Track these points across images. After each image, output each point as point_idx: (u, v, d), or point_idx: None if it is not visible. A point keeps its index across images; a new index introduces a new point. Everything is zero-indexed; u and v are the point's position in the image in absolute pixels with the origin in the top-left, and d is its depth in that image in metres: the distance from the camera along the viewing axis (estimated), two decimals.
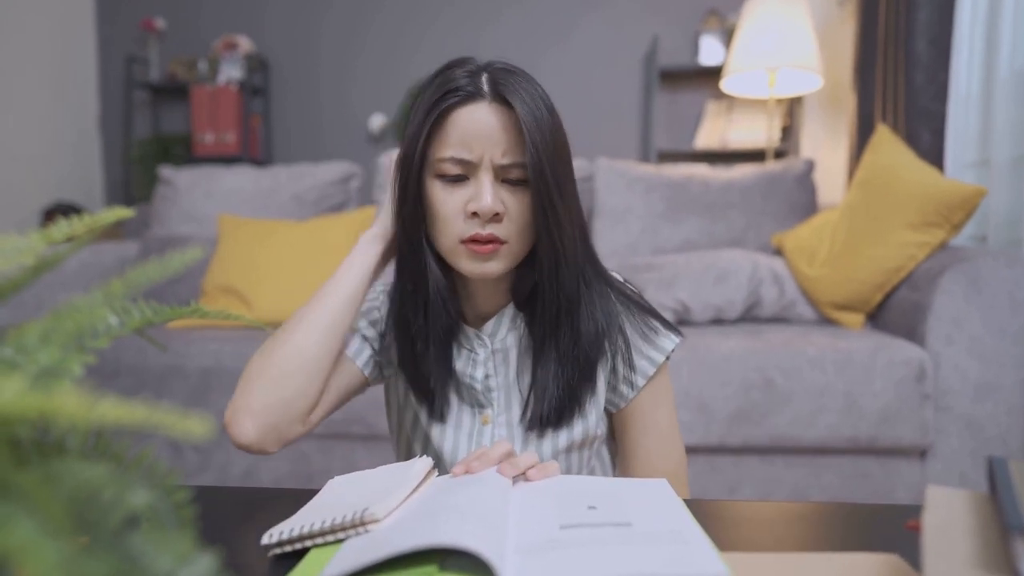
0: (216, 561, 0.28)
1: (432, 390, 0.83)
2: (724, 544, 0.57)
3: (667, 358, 0.85)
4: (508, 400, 0.85)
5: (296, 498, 0.68)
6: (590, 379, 0.82)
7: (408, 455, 0.92)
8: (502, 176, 0.75)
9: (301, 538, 0.55)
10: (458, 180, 0.75)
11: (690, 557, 0.49)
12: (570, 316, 0.79)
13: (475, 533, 0.49)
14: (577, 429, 0.83)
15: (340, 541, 0.55)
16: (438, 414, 0.84)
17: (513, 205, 0.75)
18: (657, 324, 0.85)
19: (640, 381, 0.85)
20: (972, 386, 1.65)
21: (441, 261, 0.80)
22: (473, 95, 0.73)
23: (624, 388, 0.85)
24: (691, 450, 1.72)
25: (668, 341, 0.85)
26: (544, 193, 0.73)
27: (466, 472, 0.65)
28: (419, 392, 0.84)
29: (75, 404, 0.26)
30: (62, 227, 0.39)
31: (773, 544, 0.59)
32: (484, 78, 0.74)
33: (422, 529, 0.50)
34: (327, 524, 0.55)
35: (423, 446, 0.88)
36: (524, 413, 0.82)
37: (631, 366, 0.84)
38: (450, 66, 0.76)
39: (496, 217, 0.75)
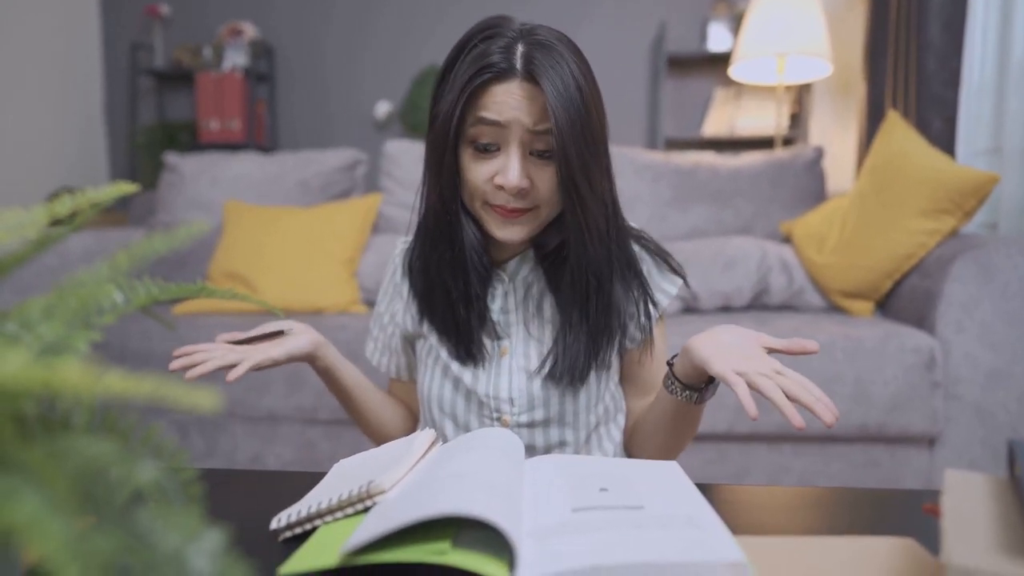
0: (224, 537, 0.28)
1: (475, 339, 0.87)
2: (737, 528, 0.56)
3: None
4: (527, 333, 0.88)
5: (304, 481, 0.67)
6: (616, 337, 0.86)
7: (426, 397, 0.93)
8: (531, 147, 0.77)
9: (310, 518, 0.55)
10: (489, 149, 0.78)
11: (706, 543, 0.48)
12: (600, 291, 0.82)
13: (497, 508, 0.49)
14: (592, 384, 0.88)
15: (348, 517, 0.55)
16: (471, 357, 0.88)
17: (540, 178, 0.78)
18: (666, 267, 0.91)
19: (653, 322, 0.90)
20: (982, 374, 1.64)
21: (471, 218, 0.85)
22: (505, 72, 0.75)
23: (636, 330, 0.89)
24: (699, 438, 1.72)
25: (672, 287, 0.90)
26: (567, 174, 0.75)
27: None
28: (458, 344, 0.88)
29: (80, 376, 0.26)
30: (65, 202, 0.39)
31: (787, 528, 0.59)
32: (518, 53, 0.75)
33: (443, 496, 0.49)
34: (334, 501, 0.54)
35: (442, 376, 0.90)
36: (543, 363, 0.85)
37: (648, 315, 0.88)
38: (487, 35, 0.77)
39: (522, 191, 0.78)
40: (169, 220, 2.59)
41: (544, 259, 0.86)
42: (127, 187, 0.41)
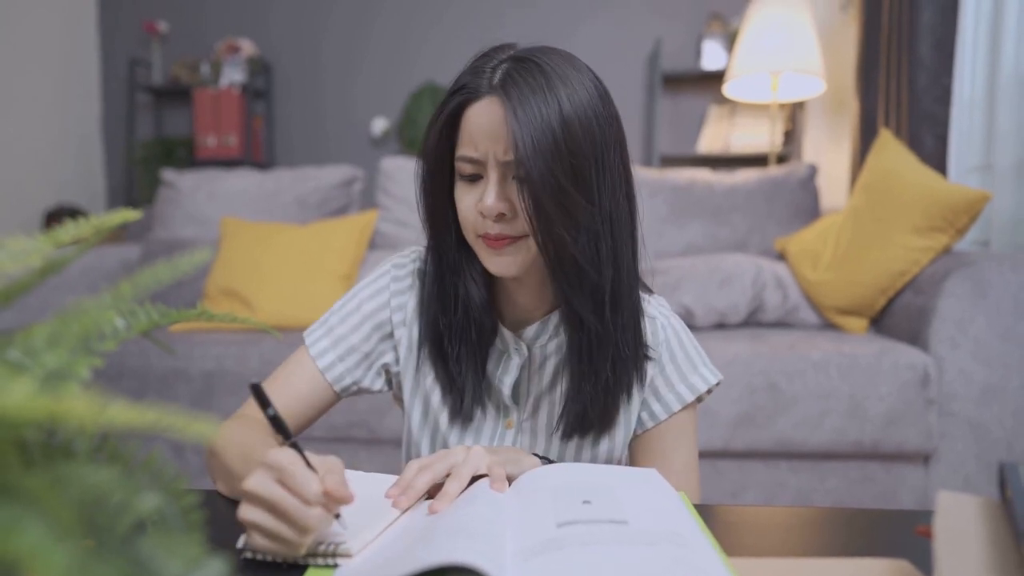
0: (226, 565, 0.28)
1: (461, 389, 0.81)
2: (730, 549, 0.56)
3: (699, 400, 0.84)
4: (537, 406, 0.83)
5: None
6: (615, 396, 0.80)
7: (408, 456, 0.90)
8: (511, 173, 0.72)
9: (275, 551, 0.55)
10: (474, 179, 0.74)
11: (692, 562, 0.48)
12: (583, 328, 0.76)
13: (471, 547, 0.49)
14: (603, 447, 0.82)
15: (315, 567, 0.54)
16: (464, 416, 0.82)
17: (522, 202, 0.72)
18: (697, 361, 0.84)
19: (662, 414, 0.83)
20: (977, 390, 1.64)
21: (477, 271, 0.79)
22: (480, 93, 0.72)
23: (644, 415, 0.84)
24: None
25: (701, 382, 0.83)
26: (530, 193, 0.69)
27: (432, 511, 0.60)
28: (446, 391, 0.83)
29: (85, 407, 0.26)
30: (69, 229, 0.39)
31: (781, 549, 0.59)
32: (499, 71, 0.72)
33: (417, 554, 0.49)
34: None
35: (431, 442, 0.85)
36: (559, 422, 0.81)
37: (655, 396, 0.83)
38: (480, 56, 0.75)
39: (502, 217, 0.73)
40: (166, 236, 2.60)
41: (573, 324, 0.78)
42: (130, 214, 0.41)
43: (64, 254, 0.40)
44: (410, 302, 0.84)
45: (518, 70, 0.70)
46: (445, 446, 0.84)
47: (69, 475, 0.30)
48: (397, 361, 0.86)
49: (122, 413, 0.27)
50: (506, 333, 0.82)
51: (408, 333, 0.84)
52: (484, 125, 0.71)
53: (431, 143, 0.75)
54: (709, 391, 0.84)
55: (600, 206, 0.73)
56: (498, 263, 0.75)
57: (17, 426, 0.29)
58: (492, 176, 0.72)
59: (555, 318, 0.81)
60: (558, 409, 0.82)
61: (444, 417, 0.84)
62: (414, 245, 0.88)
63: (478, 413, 0.83)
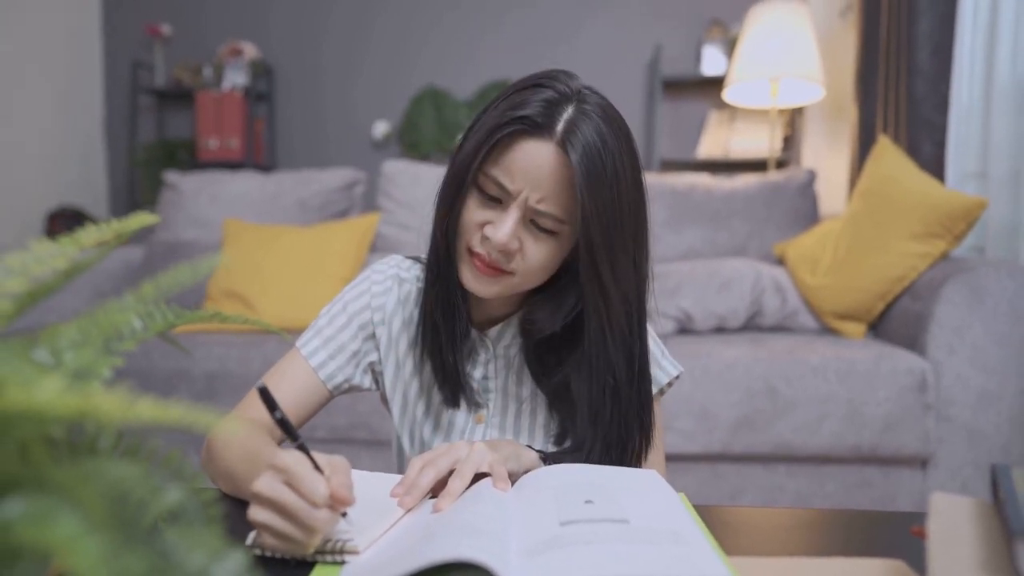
0: (247, 558, 0.29)
1: (459, 382, 0.84)
2: (729, 549, 0.57)
3: (661, 392, 0.87)
4: (504, 404, 0.86)
5: None
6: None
7: (398, 451, 0.92)
8: (531, 217, 0.73)
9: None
10: (493, 199, 0.74)
11: (692, 559, 0.50)
12: (617, 396, 0.78)
13: (476, 544, 0.50)
14: (567, 443, 0.85)
15: (322, 564, 0.55)
16: (438, 411, 0.86)
17: (531, 248, 0.74)
18: (658, 354, 0.87)
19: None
20: (974, 395, 1.65)
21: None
22: (540, 131, 0.70)
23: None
24: (694, 458, 1.73)
25: (663, 375, 0.87)
26: (590, 261, 0.71)
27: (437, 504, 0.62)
28: (424, 389, 0.86)
29: (113, 404, 0.27)
30: (91, 232, 0.40)
31: (778, 549, 0.60)
32: (564, 116, 0.71)
33: (422, 551, 0.50)
34: None
35: (419, 446, 0.89)
36: (561, 435, 0.83)
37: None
38: (542, 81, 0.73)
39: (505, 252, 0.74)
40: (169, 238, 2.61)
41: (527, 336, 0.83)
42: (148, 218, 0.42)
43: (86, 257, 0.41)
44: (388, 303, 0.88)
45: (586, 126, 0.70)
46: (422, 439, 0.88)
47: (95, 470, 0.32)
48: (380, 360, 0.89)
49: (149, 410, 0.28)
50: (472, 331, 0.85)
51: (387, 331, 0.88)
52: (531, 167, 0.71)
53: (469, 159, 0.73)
54: (670, 384, 0.88)
55: (636, 270, 0.76)
56: (477, 285, 0.77)
57: (47, 422, 0.30)
58: (513, 212, 0.72)
59: (515, 321, 0.85)
60: (527, 406, 0.86)
61: (420, 410, 0.88)
62: (407, 252, 0.92)
63: (450, 408, 0.87)
